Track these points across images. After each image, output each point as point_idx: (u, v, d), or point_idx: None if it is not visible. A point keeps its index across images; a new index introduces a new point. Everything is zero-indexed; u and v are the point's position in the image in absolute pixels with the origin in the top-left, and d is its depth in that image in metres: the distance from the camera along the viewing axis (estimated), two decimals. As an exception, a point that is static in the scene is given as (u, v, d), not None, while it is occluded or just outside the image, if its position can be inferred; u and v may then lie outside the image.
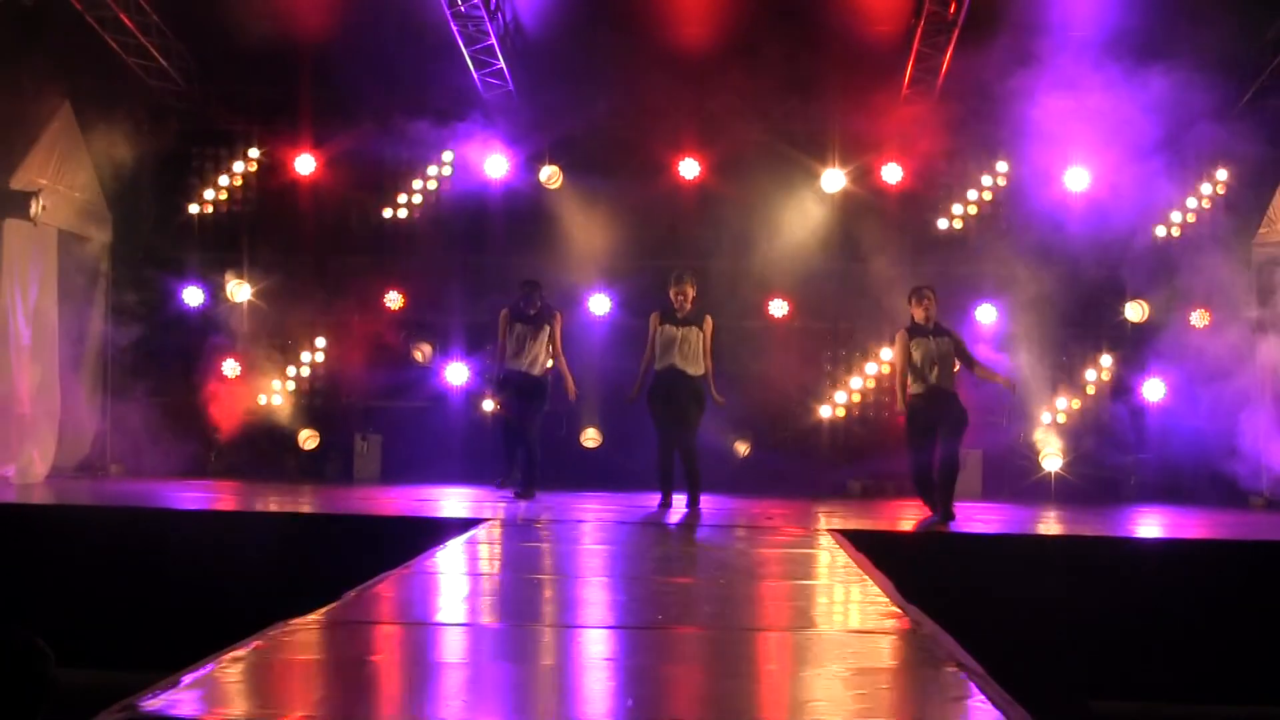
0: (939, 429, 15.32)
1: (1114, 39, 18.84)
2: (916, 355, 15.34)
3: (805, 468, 20.83)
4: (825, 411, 21.50)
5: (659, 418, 16.09)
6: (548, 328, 17.20)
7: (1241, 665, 12.64)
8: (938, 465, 15.37)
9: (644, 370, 16.26)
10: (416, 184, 21.65)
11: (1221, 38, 18.03)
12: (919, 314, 15.49)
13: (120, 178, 20.00)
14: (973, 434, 18.41)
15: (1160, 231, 20.49)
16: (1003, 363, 20.05)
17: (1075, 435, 20.68)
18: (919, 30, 19.15)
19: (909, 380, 15.44)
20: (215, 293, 21.09)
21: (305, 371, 21.72)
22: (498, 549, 11.45)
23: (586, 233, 20.73)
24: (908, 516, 15.73)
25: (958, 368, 15.65)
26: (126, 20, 19.44)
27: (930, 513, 15.24)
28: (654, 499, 16.35)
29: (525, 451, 17.31)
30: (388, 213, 21.61)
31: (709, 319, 16.20)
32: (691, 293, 16.17)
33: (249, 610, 8.21)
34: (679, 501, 16.06)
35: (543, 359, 17.23)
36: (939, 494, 15.28)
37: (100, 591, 13.01)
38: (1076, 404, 20.97)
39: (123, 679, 6.44)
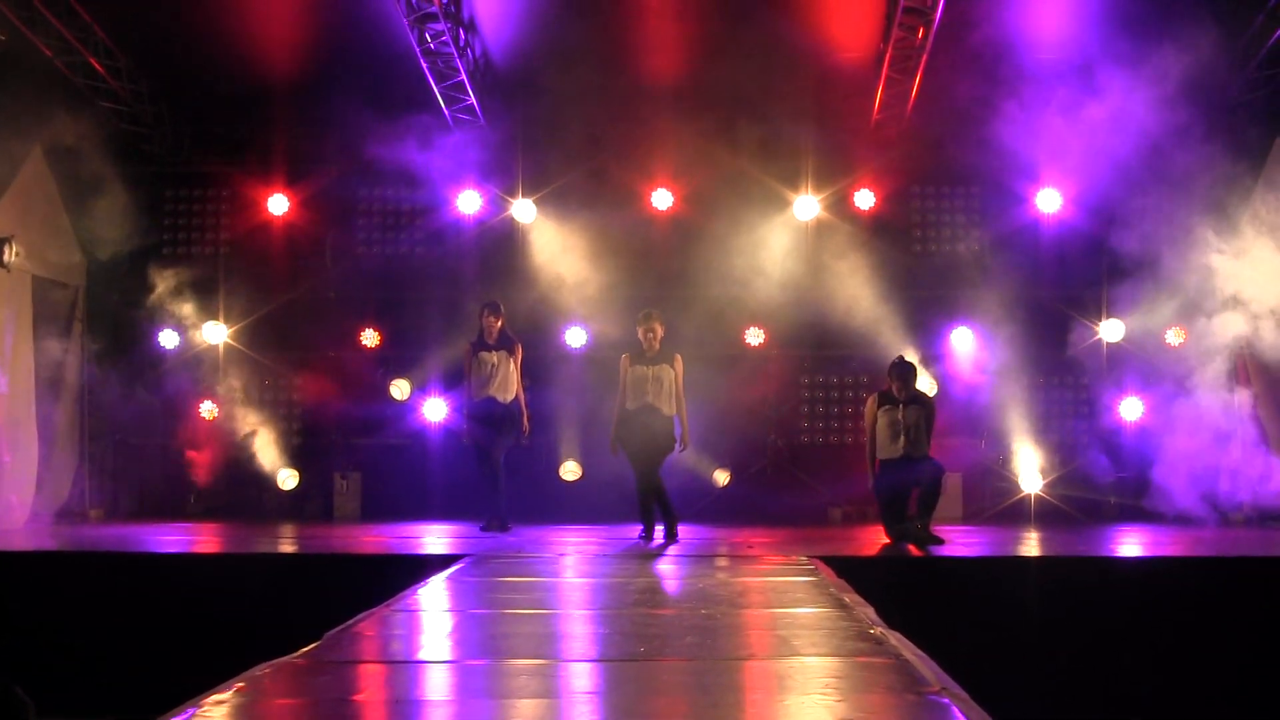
0: (912, 490, 15.61)
1: (1084, 61, 18.90)
2: (883, 424, 15.64)
3: (785, 496, 20.84)
4: (804, 439, 21.53)
5: (634, 454, 16.08)
6: (511, 356, 17.26)
7: (1225, 681, 12.67)
8: (918, 492, 15.55)
9: (618, 414, 16.26)
10: (390, 221, 21.66)
11: (1195, 58, 18.06)
12: (894, 386, 15.73)
13: (93, 221, 19.92)
14: (952, 457, 18.56)
15: (1135, 250, 20.52)
16: (981, 384, 20.16)
17: (1054, 456, 20.71)
18: (888, 56, 19.20)
19: (877, 448, 15.70)
20: (191, 335, 21.04)
21: (283, 411, 21.69)
22: (479, 584, 11.41)
23: (561, 266, 20.72)
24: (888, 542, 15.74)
25: None
26: (96, 64, 19.45)
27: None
28: (634, 530, 16.34)
29: (492, 481, 17.32)
30: (362, 250, 21.60)
31: (678, 358, 16.20)
32: (660, 331, 16.18)
33: (230, 652, 8.19)
34: (660, 533, 16.04)
35: (512, 385, 17.27)
36: (919, 512, 15.45)
37: (80, 637, 12.98)
38: (1054, 425, 20.98)
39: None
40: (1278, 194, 18.86)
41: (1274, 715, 12.68)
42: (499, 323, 17.34)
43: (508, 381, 17.26)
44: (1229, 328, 19.86)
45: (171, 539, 16.82)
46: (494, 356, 17.22)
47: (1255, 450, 19.73)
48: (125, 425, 21.13)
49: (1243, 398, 20.27)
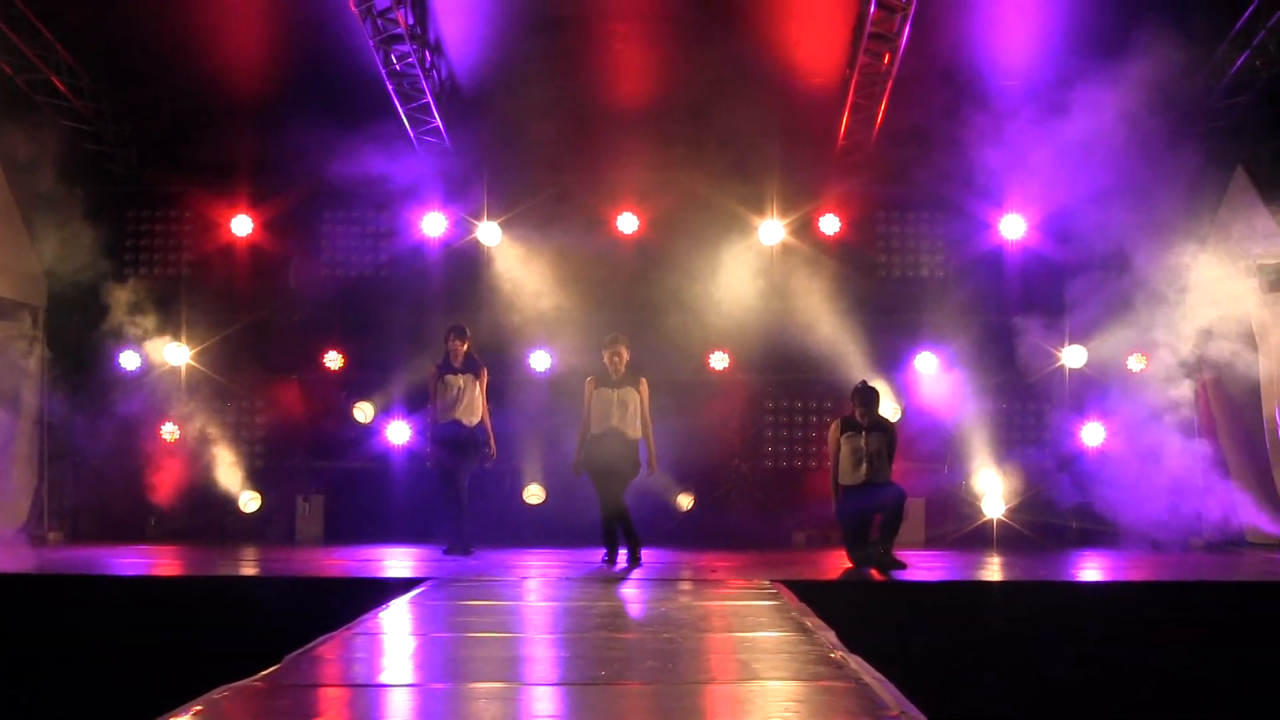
0: (875, 516, 15.64)
1: (1049, 89, 18.96)
2: (846, 450, 15.66)
3: (748, 520, 20.86)
4: (767, 463, 21.55)
5: (599, 478, 16.08)
6: (477, 379, 17.27)
7: (1182, 705, 12.69)
8: (880, 518, 15.59)
9: (583, 438, 16.25)
10: (354, 243, 21.64)
11: (1158, 87, 18.14)
12: (857, 412, 15.74)
13: (55, 241, 19.82)
14: (915, 482, 18.60)
15: (1098, 277, 20.59)
16: (944, 409, 20.22)
17: (1016, 481, 20.74)
18: (853, 82, 19.25)
19: (840, 474, 15.73)
20: (152, 356, 20.94)
21: (245, 433, 21.61)
22: (441, 608, 11.39)
23: (526, 289, 20.71)
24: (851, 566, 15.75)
25: None
26: (58, 83, 19.41)
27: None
28: (598, 554, 16.33)
29: (456, 505, 17.31)
30: (325, 272, 21.57)
31: (644, 381, 16.21)
32: (625, 355, 16.18)
33: (190, 675, 8.15)
34: (623, 557, 16.03)
35: (478, 408, 17.28)
36: (881, 536, 15.48)
37: (39, 660, 12.90)
38: (1016, 450, 21.03)
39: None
40: (1239, 221, 18.95)
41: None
42: (465, 346, 17.34)
43: (473, 405, 17.27)
44: (1190, 355, 19.96)
45: (131, 561, 16.73)
46: (460, 380, 17.23)
47: (1215, 476, 19.82)
48: (85, 446, 21.03)
49: (1203, 424, 20.37)
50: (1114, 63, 18.14)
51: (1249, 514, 19.48)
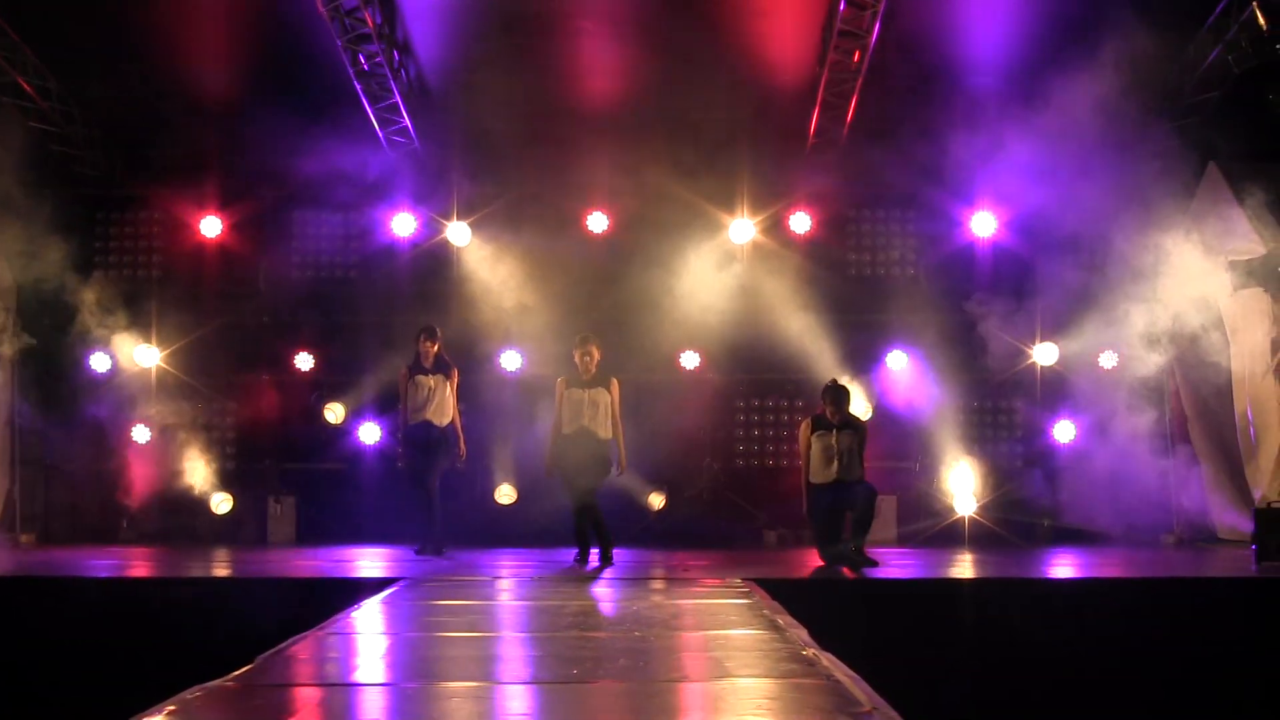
0: (846, 514, 15.67)
1: (1020, 86, 18.99)
2: (817, 448, 15.70)
3: (720, 519, 20.88)
4: (739, 462, 21.57)
5: (570, 478, 16.08)
6: (448, 380, 17.27)
7: (1152, 702, 12.74)
8: (852, 515, 15.61)
9: (554, 438, 16.26)
10: (324, 244, 21.61)
11: (1130, 83, 18.19)
12: (828, 410, 15.77)
13: (22, 244, 19.70)
14: (886, 480, 18.63)
15: (1069, 274, 20.63)
16: (916, 407, 20.26)
17: (987, 479, 20.77)
18: (824, 79, 19.25)
19: (811, 472, 15.75)
20: (122, 358, 20.88)
21: (216, 435, 21.57)
22: (414, 607, 11.39)
23: (496, 289, 20.68)
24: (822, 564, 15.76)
25: None
26: (25, 85, 19.33)
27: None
28: (570, 554, 16.35)
29: (427, 505, 17.31)
30: (295, 274, 21.53)
31: (614, 381, 16.23)
32: (596, 355, 16.20)
33: (162, 675, 8.14)
34: (595, 556, 16.04)
35: (449, 409, 17.28)
36: (852, 534, 15.52)
37: (11, 662, 12.88)
38: (988, 448, 21.07)
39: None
40: (1211, 217, 18.99)
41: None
42: (435, 347, 17.34)
43: (444, 406, 17.27)
44: (1161, 351, 20.01)
45: (104, 563, 16.67)
46: (430, 380, 17.23)
47: (1187, 472, 19.87)
48: (56, 449, 20.99)
49: (1175, 420, 20.42)
50: (1085, 59, 18.16)
51: (1220, 510, 19.54)
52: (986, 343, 20.65)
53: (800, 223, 20.97)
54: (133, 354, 20.88)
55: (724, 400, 21.63)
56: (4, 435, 20.22)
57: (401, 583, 13.22)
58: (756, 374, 21.47)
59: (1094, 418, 20.34)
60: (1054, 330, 20.73)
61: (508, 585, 13.65)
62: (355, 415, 20.95)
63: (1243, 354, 19.03)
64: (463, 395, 17.80)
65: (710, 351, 21.08)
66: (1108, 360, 20.49)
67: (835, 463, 15.66)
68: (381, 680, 7.74)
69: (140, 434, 20.83)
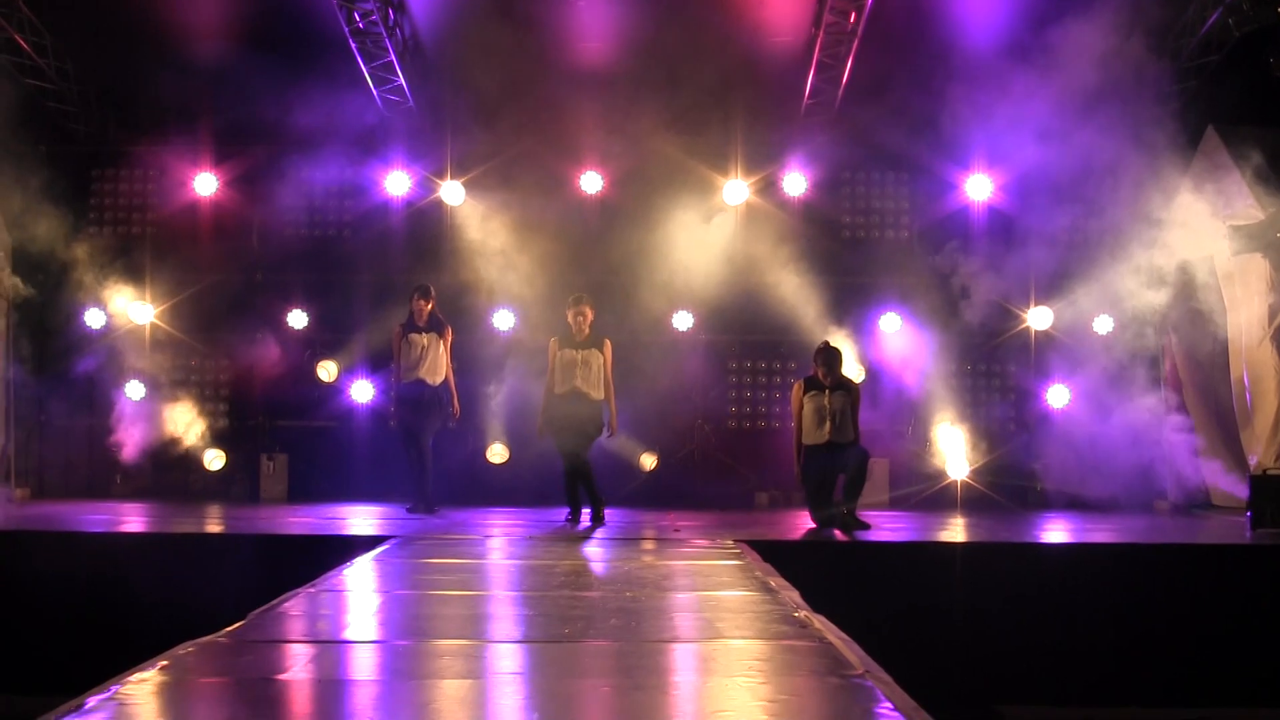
0: (838, 476, 15.68)
1: (1017, 47, 18.92)
2: (809, 409, 15.71)
3: (712, 480, 20.90)
4: (731, 424, 21.58)
5: (562, 438, 16.09)
6: (441, 339, 17.26)
7: (1145, 668, 12.78)
8: (844, 478, 15.62)
9: (546, 398, 16.26)
10: (318, 202, 21.58)
11: (1128, 45, 18.14)
12: (820, 372, 15.79)
13: (17, 201, 19.68)
14: (879, 443, 18.63)
15: (1065, 238, 20.64)
16: (908, 370, 20.25)
17: (980, 443, 20.79)
18: (819, 40, 19.23)
19: (803, 434, 15.77)
20: (116, 315, 20.87)
21: (209, 392, 21.59)
22: (405, 565, 11.39)
23: (489, 248, 20.65)
24: (814, 526, 15.78)
25: None
26: (21, 41, 19.29)
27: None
28: (561, 513, 16.37)
29: (419, 464, 17.31)
30: (289, 231, 21.51)
31: (608, 342, 16.24)
32: (589, 315, 16.18)
33: (154, 631, 8.15)
34: (586, 516, 16.07)
35: (442, 368, 17.27)
36: (844, 496, 15.53)
37: (2, 615, 12.89)
38: (981, 412, 21.09)
39: (25, 704, 6.39)
40: (1209, 182, 18.96)
41: (1196, 698, 12.79)
42: (429, 305, 17.32)
43: (437, 364, 17.25)
44: (1156, 315, 20.02)
45: (96, 518, 16.68)
46: (424, 339, 17.21)
47: (1180, 437, 19.88)
48: (51, 405, 20.99)
49: (1170, 385, 20.43)
50: (1083, 22, 18.12)
51: (1215, 476, 19.55)
52: (980, 306, 20.65)
53: (794, 184, 20.94)
54: (127, 310, 20.87)
55: (716, 361, 21.63)
56: (-2, 392, 20.22)
57: (393, 541, 13.23)
58: (749, 335, 21.47)
59: (1088, 383, 20.34)
60: (1048, 294, 20.73)
61: (499, 544, 13.66)
62: (348, 373, 20.96)
63: (1239, 320, 19.02)
64: (455, 354, 17.77)
65: (703, 312, 21.07)
66: (1102, 325, 20.50)
67: (828, 423, 15.68)
68: (373, 638, 7.76)
69: (134, 390, 20.82)
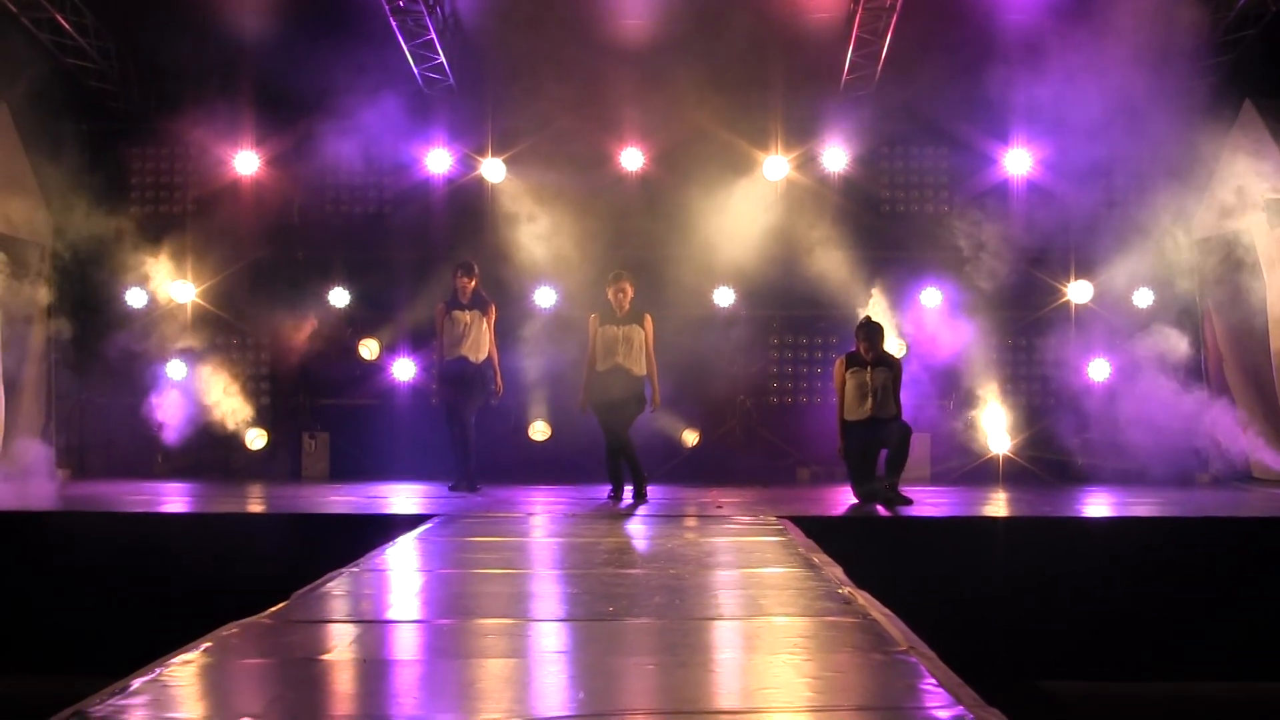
0: (880, 451, 15.66)
1: (1055, 22, 18.83)
2: (851, 385, 15.69)
3: (754, 456, 20.92)
4: (772, 399, 21.58)
5: (604, 416, 16.08)
6: (484, 316, 17.24)
7: (1189, 642, 12.72)
8: (886, 453, 15.59)
9: (588, 374, 16.24)
10: (359, 180, 21.62)
11: (1165, 20, 18.05)
12: (861, 347, 15.76)
13: (60, 180, 19.73)
14: (920, 418, 18.60)
15: (1104, 211, 20.60)
16: (949, 344, 20.21)
17: (1021, 417, 20.77)
18: (858, 15, 19.17)
19: (845, 409, 15.73)
20: (158, 293, 20.93)
21: (251, 370, 21.64)
22: (448, 544, 11.40)
23: (531, 225, 20.64)
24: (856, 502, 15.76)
25: None
26: (62, 21, 19.33)
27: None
28: (603, 491, 16.38)
29: (462, 442, 17.31)
30: (330, 209, 21.56)
31: (648, 317, 16.19)
32: (630, 291, 16.14)
33: (198, 612, 8.18)
34: (628, 493, 16.06)
35: (484, 345, 17.24)
36: (887, 472, 15.50)
37: (47, 596, 12.93)
38: (1022, 386, 21.03)
39: (71, 685, 6.41)
40: (1246, 155, 18.86)
41: (1240, 670, 12.74)
42: (473, 283, 17.30)
43: (480, 341, 17.23)
44: (1196, 289, 19.95)
45: (139, 498, 16.73)
46: (467, 316, 17.19)
47: (1221, 409, 19.81)
48: (92, 384, 21.06)
49: (1209, 358, 20.37)
50: (1121, -2, 18.06)
51: (1256, 449, 19.48)
52: (1021, 280, 20.63)
53: (834, 159, 20.93)
54: (168, 289, 20.93)
55: (758, 337, 21.63)
56: (41, 371, 20.27)
57: (436, 519, 13.24)
58: (790, 311, 21.48)
59: (1128, 356, 20.28)
60: (1088, 268, 20.69)
61: (541, 522, 13.65)
62: (390, 351, 21.01)
63: (1277, 292, 18.93)
64: (498, 332, 17.75)
65: (745, 289, 21.07)
66: (1142, 299, 20.46)
67: (870, 399, 15.65)
68: (416, 617, 7.77)
69: (175, 369, 20.88)
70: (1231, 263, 19.41)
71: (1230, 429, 19.68)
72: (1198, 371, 20.33)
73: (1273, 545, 13.31)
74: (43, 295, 20.09)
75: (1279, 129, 18.56)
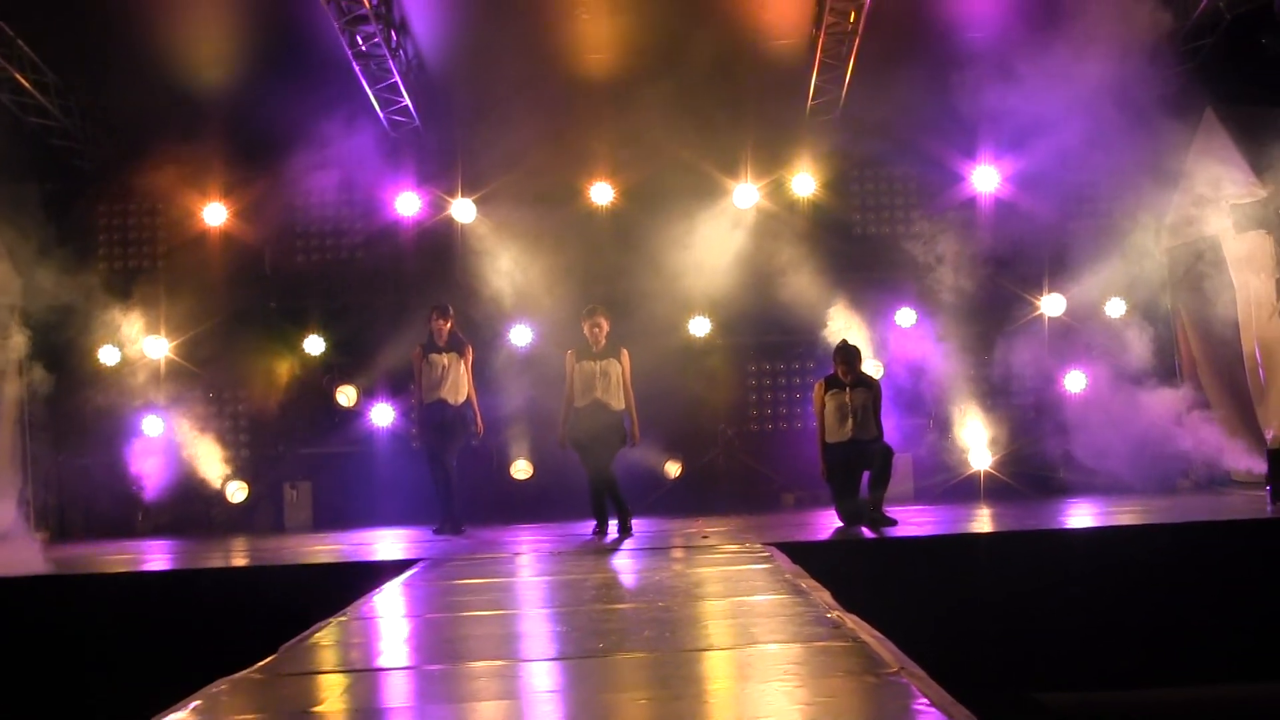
0: (861, 472, 15.71)
1: (1015, 36, 18.89)
2: (831, 407, 15.77)
3: (737, 484, 20.93)
4: (753, 426, 21.60)
5: (585, 452, 16.07)
6: (461, 357, 17.24)
7: (1179, 648, 12.75)
8: (869, 474, 15.64)
9: (566, 410, 16.21)
10: (329, 227, 21.64)
11: (1126, 32, 18.11)
12: (839, 370, 15.83)
13: (28, 239, 19.67)
14: (900, 437, 18.64)
15: (1073, 224, 20.70)
16: (926, 363, 20.25)
17: (1001, 432, 20.80)
18: (820, 41, 19.24)
19: (826, 432, 15.78)
20: (131, 350, 20.88)
21: (229, 423, 21.60)
22: (435, 588, 11.37)
23: (503, 264, 20.66)
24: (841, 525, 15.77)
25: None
26: (22, 80, 19.31)
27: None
28: (588, 526, 16.35)
29: (444, 484, 17.30)
30: (301, 258, 21.57)
31: (625, 352, 16.19)
32: (605, 326, 16.13)
33: (186, 669, 8.13)
34: (613, 528, 16.05)
35: (463, 387, 17.25)
36: (870, 493, 15.54)
37: (33, 661, 12.86)
38: (1000, 401, 21.06)
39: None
40: (1210, 162, 18.96)
41: (1231, 671, 12.77)
42: (448, 324, 17.31)
43: (458, 383, 17.23)
44: (1167, 297, 20.05)
45: (121, 558, 16.67)
46: (444, 358, 17.20)
47: (1197, 416, 19.87)
48: (68, 443, 21.00)
49: (1184, 365, 20.46)
50: (1080, 7, 18.11)
51: (1233, 453, 19.53)
52: (993, 296, 20.72)
53: (804, 185, 20.99)
54: (142, 345, 20.89)
55: (735, 365, 21.69)
56: (15, 433, 20.19)
57: (421, 563, 13.21)
58: (766, 337, 21.54)
59: (1104, 366, 20.35)
60: (1060, 281, 20.77)
61: (528, 561, 13.64)
62: (367, 397, 21.00)
63: (1248, 296, 19.01)
64: (475, 371, 17.74)
65: (720, 317, 21.14)
66: (1115, 309, 20.55)
67: (850, 420, 15.72)
68: (406, 663, 7.74)
69: (152, 425, 20.83)
70: (1201, 269, 19.51)
71: (1207, 433, 19.73)
72: (1173, 378, 20.40)
73: (1255, 546, 13.36)
74: (14, 355, 20.01)
75: (1241, 135, 18.65)
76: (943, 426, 20.82)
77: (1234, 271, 19.20)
